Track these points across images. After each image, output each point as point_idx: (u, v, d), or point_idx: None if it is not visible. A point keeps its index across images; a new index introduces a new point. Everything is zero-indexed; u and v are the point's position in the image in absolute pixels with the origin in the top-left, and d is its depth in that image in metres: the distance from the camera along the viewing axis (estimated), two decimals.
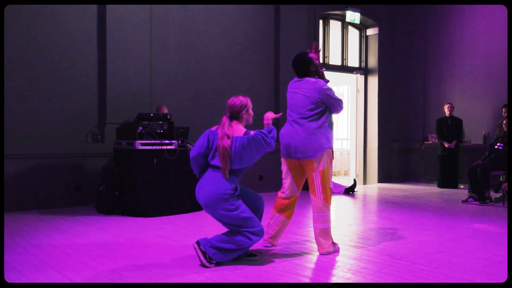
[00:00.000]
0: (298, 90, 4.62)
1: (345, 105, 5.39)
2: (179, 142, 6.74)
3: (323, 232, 4.48)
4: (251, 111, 4.24)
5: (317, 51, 4.81)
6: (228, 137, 4.03)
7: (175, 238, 5.12)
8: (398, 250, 4.64)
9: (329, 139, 4.53)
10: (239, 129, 4.15)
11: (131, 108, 7.51)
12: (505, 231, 5.63)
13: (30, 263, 4.10)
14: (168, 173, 6.51)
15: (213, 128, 4.21)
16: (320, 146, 4.45)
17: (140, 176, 6.35)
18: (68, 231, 5.40)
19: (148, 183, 6.40)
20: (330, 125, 4.64)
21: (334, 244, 4.59)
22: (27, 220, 6.04)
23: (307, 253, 4.53)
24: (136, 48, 7.73)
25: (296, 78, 4.73)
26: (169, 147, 6.54)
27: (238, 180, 4.18)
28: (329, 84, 4.66)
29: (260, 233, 4.14)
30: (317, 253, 4.51)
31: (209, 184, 4.09)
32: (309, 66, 4.67)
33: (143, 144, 6.36)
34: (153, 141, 6.45)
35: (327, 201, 4.49)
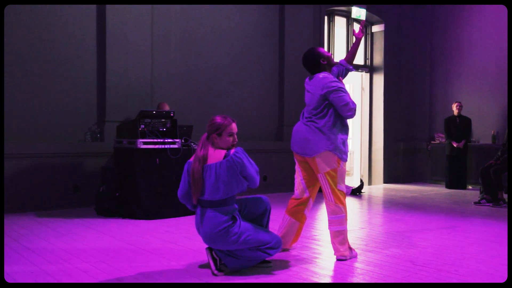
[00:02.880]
0: (308, 87, 4.45)
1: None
2: (183, 141, 6.43)
3: (338, 234, 4.21)
4: (226, 137, 3.72)
5: (360, 33, 4.54)
6: (200, 161, 3.66)
7: (179, 242, 4.83)
8: (420, 255, 4.36)
9: (333, 141, 4.19)
10: (217, 151, 3.72)
11: (131, 106, 7.22)
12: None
13: (26, 271, 3.79)
14: (171, 173, 6.21)
15: (191, 159, 3.79)
16: (319, 146, 4.19)
17: (142, 177, 6.05)
18: (67, 235, 5.10)
19: (150, 184, 6.10)
20: (338, 126, 4.27)
21: (351, 249, 4.31)
22: (23, 222, 5.73)
23: (323, 259, 4.25)
24: (137, 45, 7.43)
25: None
26: (172, 146, 6.24)
27: (233, 208, 3.77)
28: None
29: (277, 245, 3.85)
30: (334, 259, 4.23)
31: (204, 225, 3.70)
32: (319, 61, 4.39)
33: (145, 143, 6.05)
34: (155, 140, 6.15)
35: (339, 202, 4.21)
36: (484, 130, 10.03)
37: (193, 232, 5.26)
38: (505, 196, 7.85)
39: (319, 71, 4.40)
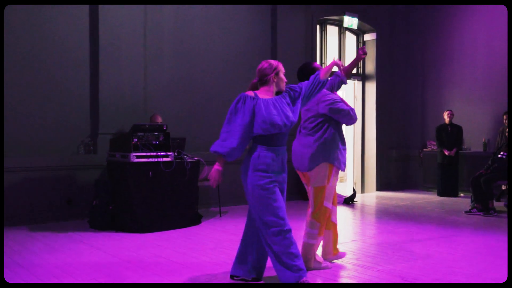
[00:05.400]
0: None
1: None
2: (176, 153, 6.47)
3: (305, 246, 4.38)
4: (282, 76, 3.88)
5: (364, 53, 4.61)
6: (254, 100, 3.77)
7: (173, 257, 4.85)
8: (410, 270, 4.40)
9: (328, 153, 4.31)
10: (267, 93, 3.85)
11: (125, 118, 7.25)
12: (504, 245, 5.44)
13: None
14: (164, 187, 6.25)
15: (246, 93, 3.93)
16: (313, 160, 4.30)
17: (135, 190, 6.08)
18: (60, 250, 5.12)
19: (143, 197, 6.13)
20: (336, 137, 4.40)
21: (317, 261, 4.42)
22: (15, 236, 5.74)
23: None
24: (130, 56, 7.46)
25: None
26: (165, 159, 6.27)
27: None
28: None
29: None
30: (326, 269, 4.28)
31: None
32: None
33: (138, 157, 6.09)
34: (148, 153, 6.18)
35: (316, 218, 4.35)
36: (475, 138, 10.11)
37: (187, 247, 5.30)
38: (504, 203, 7.91)
39: None
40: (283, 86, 3.87)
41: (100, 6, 7.16)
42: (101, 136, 7.14)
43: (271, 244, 3.66)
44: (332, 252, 4.60)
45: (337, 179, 4.49)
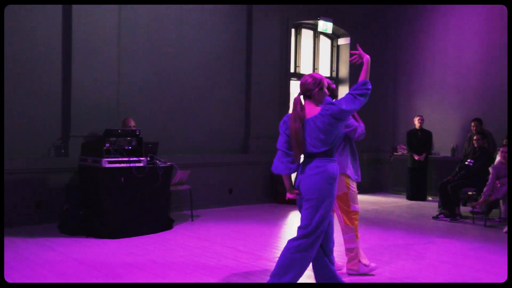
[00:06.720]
0: None
1: None
2: (148, 158, 6.45)
3: (348, 251, 4.70)
4: (326, 90, 3.80)
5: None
6: (300, 119, 3.68)
7: (145, 266, 4.85)
8: (376, 280, 4.51)
9: (343, 164, 4.63)
10: (313, 108, 3.76)
11: (97, 120, 7.19)
12: (481, 253, 5.61)
13: None
14: (136, 192, 6.24)
15: (285, 118, 3.80)
16: None
17: (107, 195, 6.05)
18: (29, 257, 5.06)
19: (115, 202, 6.11)
20: (348, 150, 4.74)
21: (364, 265, 4.67)
22: None
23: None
24: (104, 57, 7.38)
25: None
26: (137, 164, 6.26)
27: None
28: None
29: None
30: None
31: (308, 172, 3.68)
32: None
33: (110, 162, 6.06)
34: (120, 159, 6.16)
35: (350, 222, 4.68)
36: (444, 143, 10.34)
37: (159, 254, 5.31)
38: (470, 209, 8.09)
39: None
40: (323, 100, 3.82)
41: (73, 6, 7.06)
42: (73, 138, 7.07)
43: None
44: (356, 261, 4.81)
45: (355, 185, 4.77)
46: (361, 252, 4.77)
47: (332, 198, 3.65)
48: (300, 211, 3.73)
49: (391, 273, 4.79)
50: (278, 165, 3.75)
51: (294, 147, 3.66)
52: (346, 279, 4.58)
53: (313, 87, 3.75)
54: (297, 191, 3.71)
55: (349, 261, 4.73)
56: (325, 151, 3.66)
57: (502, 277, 4.64)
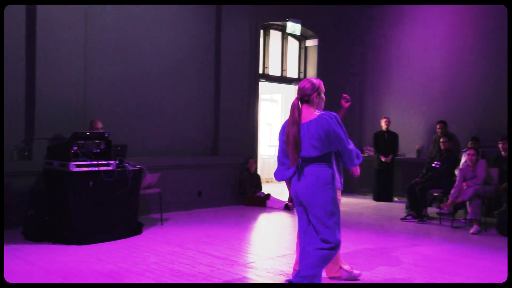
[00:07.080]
0: None
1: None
2: (117, 162, 6.27)
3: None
4: (323, 96, 3.82)
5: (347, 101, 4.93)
6: (297, 124, 3.65)
7: (113, 273, 4.71)
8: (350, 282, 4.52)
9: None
10: (310, 113, 3.72)
11: (63, 122, 6.97)
12: (449, 256, 5.70)
13: None
14: (105, 197, 6.05)
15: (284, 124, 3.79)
16: None
17: (74, 201, 5.85)
18: None
19: (83, 207, 5.91)
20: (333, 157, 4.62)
21: (346, 271, 4.64)
22: None
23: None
24: (70, 57, 7.15)
25: None
26: (106, 168, 6.07)
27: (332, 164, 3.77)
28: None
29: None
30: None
31: (306, 178, 3.69)
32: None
33: (78, 166, 5.85)
34: (89, 162, 5.96)
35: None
36: (410, 145, 10.51)
37: (128, 261, 5.17)
38: (437, 211, 8.22)
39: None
40: (322, 105, 3.82)
41: (38, 6, 6.81)
42: (37, 141, 6.81)
43: None
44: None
45: (339, 192, 4.77)
46: (341, 258, 4.76)
47: (332, 199, 3.67)
48: (297, 212, 3.85)
49: (371, 278, 4.80)
50: (275, 173, 3.88)
51: (290, 151, 3.64)
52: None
53: (311, 92, 3.74)
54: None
55: (329, 268, 4.66)
56: (320, 156, 3.65)
57: (478, 279, 4.71)
